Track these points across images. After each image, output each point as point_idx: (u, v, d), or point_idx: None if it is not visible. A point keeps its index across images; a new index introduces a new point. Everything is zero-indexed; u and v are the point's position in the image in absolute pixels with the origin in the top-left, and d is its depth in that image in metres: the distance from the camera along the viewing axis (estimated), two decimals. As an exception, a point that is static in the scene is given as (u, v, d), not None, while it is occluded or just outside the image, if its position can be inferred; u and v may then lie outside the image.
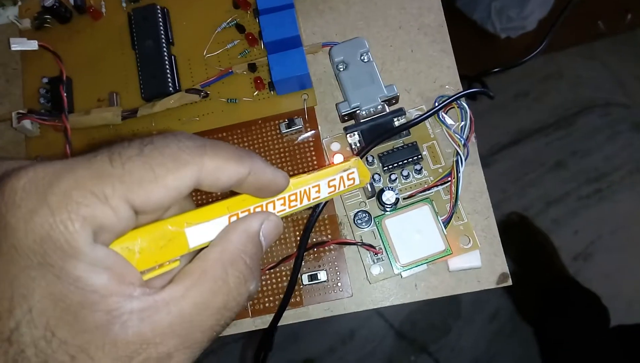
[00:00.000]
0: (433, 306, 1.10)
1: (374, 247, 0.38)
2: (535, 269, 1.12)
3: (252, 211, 0.23)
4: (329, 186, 0.25)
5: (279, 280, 0.40)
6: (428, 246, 0.38)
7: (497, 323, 1.10)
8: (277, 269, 0.40)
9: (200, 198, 0.41)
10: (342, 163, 0.26)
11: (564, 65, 1.26)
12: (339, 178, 0.26)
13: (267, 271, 0.40)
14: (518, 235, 1.17)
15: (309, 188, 0.24)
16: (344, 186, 0.26)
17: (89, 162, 0.18)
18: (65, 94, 0.43)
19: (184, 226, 0.21)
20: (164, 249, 0.20)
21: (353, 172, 0.26)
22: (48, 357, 0.16)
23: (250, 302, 0.39)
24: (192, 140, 0.19)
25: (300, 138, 0.42)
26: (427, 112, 0.40)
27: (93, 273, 0.17)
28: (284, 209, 0.24)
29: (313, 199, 0.25)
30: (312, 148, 0.42)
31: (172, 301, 0.18)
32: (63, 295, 0.16)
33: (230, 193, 0.23)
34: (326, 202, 0.38)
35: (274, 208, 0.23)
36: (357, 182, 0.27)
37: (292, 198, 0.24)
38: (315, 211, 0.38)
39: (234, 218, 0.22)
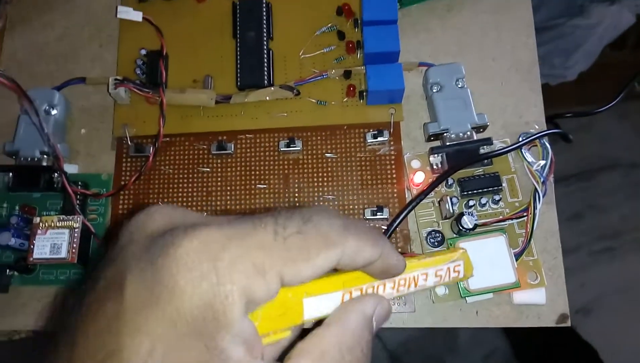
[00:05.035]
0: (429, 337, 1.10)
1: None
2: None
3: (364, 290, 0.23)
4: (436, 276, 0.26)
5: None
6: (499, 276, 0.38)
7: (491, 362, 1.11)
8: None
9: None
10: (449, 253, 0.26)
11: (595, 119, 1.28)
12: (446, 268, 0.26)
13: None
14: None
15: (418, 275, 0.25)
16: (449, 278, 0.26)
17: (255, 231, 0.18)
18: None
19: (303, 297, 0.21)
20: (282, 317, 0.20)
21: (459, 265, 0.26)
22: None
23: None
24: (339, 219, 0.20)
25: (382, 150, 0.43)
26: (512, 145, 0.41)
27: (235, 345, 0.17)
28: (392, 293, 0.24)
29: (419, 286, 0.25)
30: (392, 162, 0.43)
31: None
32: None
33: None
34: (404, 217, 0.39)
35: (384, 290, 0.24)
36: (461, 275, 0.27)
37: (402, 282, 0.24)
38: (393, 224, 0.39)
39: (346, 295, 0.22)
